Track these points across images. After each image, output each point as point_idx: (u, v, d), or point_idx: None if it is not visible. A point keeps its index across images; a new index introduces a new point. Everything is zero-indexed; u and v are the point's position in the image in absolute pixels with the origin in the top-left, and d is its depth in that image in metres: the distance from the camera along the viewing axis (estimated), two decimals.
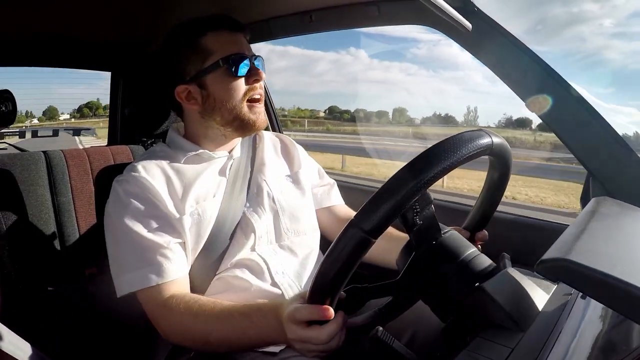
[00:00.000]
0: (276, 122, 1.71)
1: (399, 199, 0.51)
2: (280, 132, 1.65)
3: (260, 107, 0.91)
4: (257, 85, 0.90)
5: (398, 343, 0.56)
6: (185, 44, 0.88)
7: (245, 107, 0.89)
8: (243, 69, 0.88)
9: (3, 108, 1.20)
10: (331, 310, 0.59)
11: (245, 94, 0.89)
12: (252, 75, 0.89)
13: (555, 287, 0.62)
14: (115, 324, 1.05)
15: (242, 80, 0.88)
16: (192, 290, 0.83)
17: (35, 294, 0.94)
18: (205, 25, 0.88)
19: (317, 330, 0.61)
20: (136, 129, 1.15)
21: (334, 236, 1.06)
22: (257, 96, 0.90)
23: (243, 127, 0.91)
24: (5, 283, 0.92)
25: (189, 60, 0.88)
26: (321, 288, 0.57)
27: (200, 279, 0.85)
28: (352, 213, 1.07)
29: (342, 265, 0.54)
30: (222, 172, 0.93)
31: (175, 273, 0.80)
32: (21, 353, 0.78)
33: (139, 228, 0.81)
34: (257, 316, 0.71)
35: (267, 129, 1.59)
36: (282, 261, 0.90)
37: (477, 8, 0.91)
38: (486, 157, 0.63)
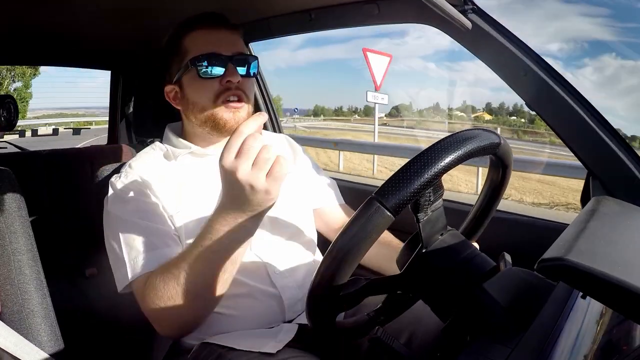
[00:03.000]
0: (276, 123, 1.71)
1: (427, 176, 0.51)
2: (280, 132, 1.65)
3: (237, 106, 0.87)
4: (229, 86, 0.86)
5: (398, 343, 0.56)
6: (170, 44, 0.90)
7: (218, 107, 0.86)
8: (214, 69, 0.85)
9: (5, 113, 1.19)
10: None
11: (217, 95, 0.85)
12: (226, 76, 0.85)
13: (556, 286, 0.62)
14: (115, 324, 1.05)
15: (214, 81, 0.85)
16: None
17: (35, 294, 0.94)
18: (186, 24, 0.88)
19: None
20: (136, 129, 1.15)
21: (329, 236, 1.07)
22: (234, 97, 0.86)
23: (216, 127, 0.87)
24: (6, 282, 0.92)
25: (172, 61, 0.89)
26: (332, 269, 0.53)
27: None
28: (349, 212, 1.08)
29: (360, 243, 0.51)
30: (217, 170, 0.92)
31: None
32: (22, 352, 0.78)
33: (136, 222, 0.81)
34: (204, 233, 0.70)
35: (266, 129, 1.59)
36: (279, 260, 0.90)
37: (477, 6, 0.91)
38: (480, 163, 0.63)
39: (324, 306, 0.58)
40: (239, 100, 0.87)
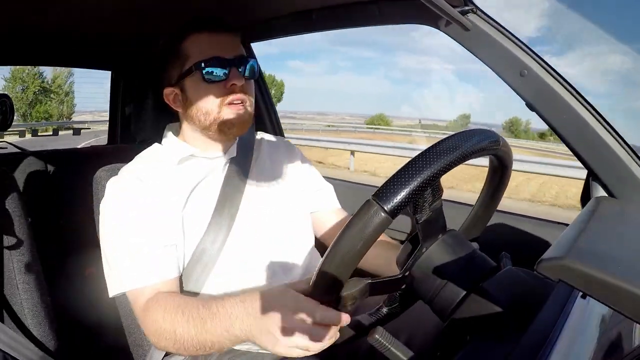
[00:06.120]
0: (277, 126, 1.70)
1: (423, 178, 0.51)
2: (282, 136, 1.64)
3: (239, 106, 0.87)
4: (234, 90, 0.86)
5: (398, 342, 0.56)
6: (169, 47, 0.89)
7: (223, 110, 0.86)
8: (218, 73, 0.84)
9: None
10: (347, 317, 0.59)
11: (221, 99, 0.86)
12: (230, 80, 0.85)
13: (555, 286, 0.62)
14: (114, 324, 1.05)
15: (219, 85, 0.85)
16: (186, 292, 0.83)
17: (35, 293, 0.94)
18: (186, 27, 0.87)
19: (321, 328, 0.60)
20: (136, 129, 1.15)
21: (324, 239, 1.07)
22: (237, 101, 0.87)
23: (221, 130, 0.88)
24: (6, 282, 0.92)
25: (172, 64, 0.88)
26: (331, 271, 0.54)
27: (193, 281, 0.84)
28: (345, 216, 1.08)
29: (358, 245, 0.51)
30: (216, 174, 0.92)
31: (165, 275, 0.80)
32: (22, 352, 0.78)
33: (131, 229, 0.81)
34: (221, 304, 0.69)
35: (267, 131, 1.59)
36: (276, 261, 0.90)
37: (477, 7, 0.91)
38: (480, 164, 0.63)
39: (325, 302, 0.58)
40: (242, 102, 0.87)
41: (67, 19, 1.15)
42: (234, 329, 0.66)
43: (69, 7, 1.05)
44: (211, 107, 0.86)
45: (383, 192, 0.51)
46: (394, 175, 0.52)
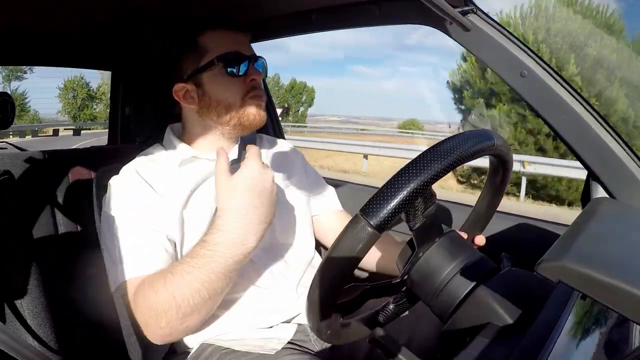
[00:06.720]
0: (278, 127, 1.70)
1: (409, 190, 0.50)
2: (282, 138, 1.64)
3: (260, 103, 0.90)
4: (255, 85, 0.88)
5: (398, 344, 0.56)
6: (184, 41, 0.89)
7: (247, 102, 0.88)
8: (240, 68, 0.87)
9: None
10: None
11: (243, 93, 0.88)
12: (249, 75, 0.88)
13: (555, 287, 0.62)
14: (115, 325, 1.05)
15: (239, 79, 0.87)
16: None
17: (35, 294, 0.94)
18: (204, 23, 0.88)
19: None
20: (136, 129, 1.15)
21: (325, 242, 1.08)
22: (257, 96, 0.89)
23: (241, 123, 0.89)
24: (6, 282, 0.92)
25: (186, 59, 0.89)
26: (323, 289, 0.55)
27: None
28: (345, 218, 1.08)
29: (348, 259, 0.51)
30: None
31: (162, 266, 0.79)
32: (22, 352, 0.78)
33: (131, 226, 0.81)
34: (205, 243, 0.71)
35: (267, 133, 1.59)
36: (277, 263, 0.90)
37: (478, 7, 0.91)
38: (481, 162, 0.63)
39: (323, 314, 0.58)
40: (260, 97, 0.89)
41: (67, 19, 1.15)
42: (232, 249, 0.70)
43: (68, 7, 1.05)
44: (233, 100, 0.87)
45: (369, 207, 0.50)
46: (380, 189, 0.51)
